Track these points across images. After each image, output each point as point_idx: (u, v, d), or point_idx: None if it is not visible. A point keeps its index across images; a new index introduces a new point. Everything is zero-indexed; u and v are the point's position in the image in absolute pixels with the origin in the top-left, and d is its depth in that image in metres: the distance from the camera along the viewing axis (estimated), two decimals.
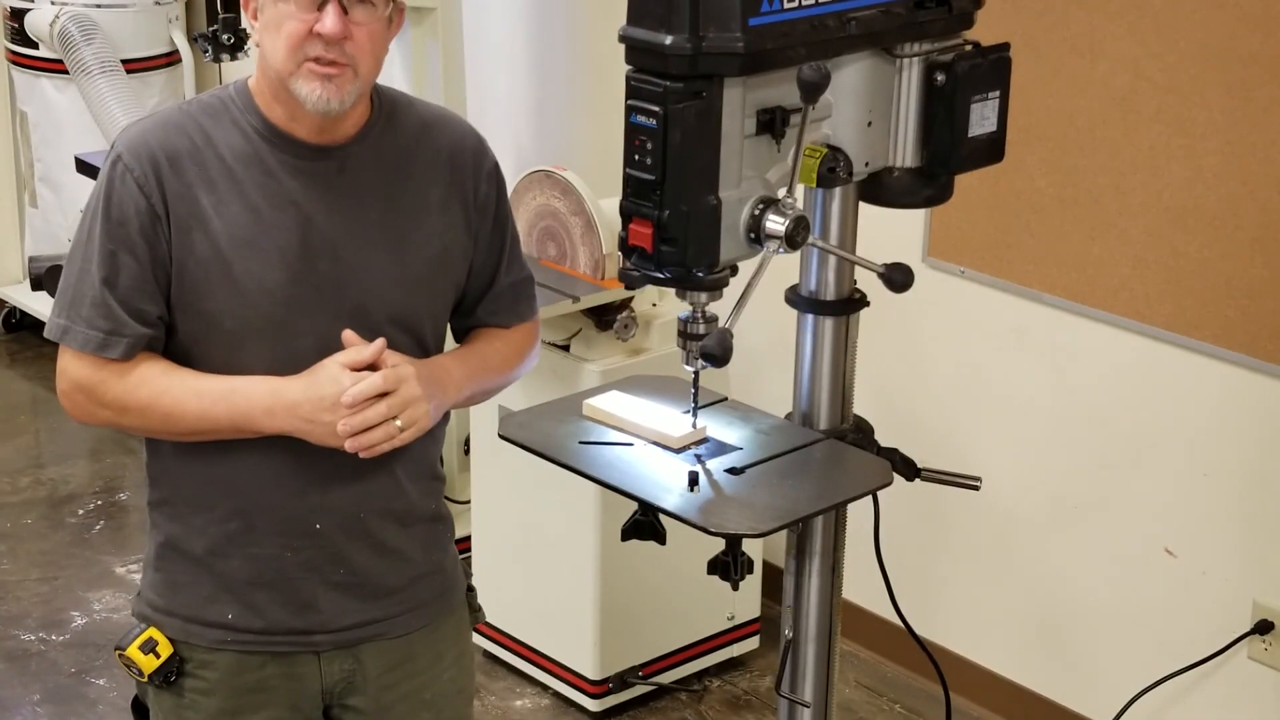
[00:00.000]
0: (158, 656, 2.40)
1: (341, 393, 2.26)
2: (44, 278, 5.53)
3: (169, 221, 2.28)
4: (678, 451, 2.45)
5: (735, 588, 2.49)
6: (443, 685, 2.56)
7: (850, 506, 2.55)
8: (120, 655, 2.42)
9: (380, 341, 2.30)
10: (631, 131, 2.23)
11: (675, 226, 2.24)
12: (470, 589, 2.63)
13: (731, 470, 2.41)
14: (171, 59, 5.68)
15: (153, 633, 2.41)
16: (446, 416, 2.49)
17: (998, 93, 2.51)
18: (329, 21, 2.23)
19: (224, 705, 2.43)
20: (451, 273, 2.44)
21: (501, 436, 2.54)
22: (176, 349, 2.34)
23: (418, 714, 2.53)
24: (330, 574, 2.42)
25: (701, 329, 2.37)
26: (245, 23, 2.33)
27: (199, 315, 2.30)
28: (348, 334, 2.32)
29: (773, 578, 3.64)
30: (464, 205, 2.44)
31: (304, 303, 2.32)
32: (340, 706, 2.49)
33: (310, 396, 2.28)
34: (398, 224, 2.37)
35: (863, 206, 2.55)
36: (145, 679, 2.42)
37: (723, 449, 2.47)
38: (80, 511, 4.89)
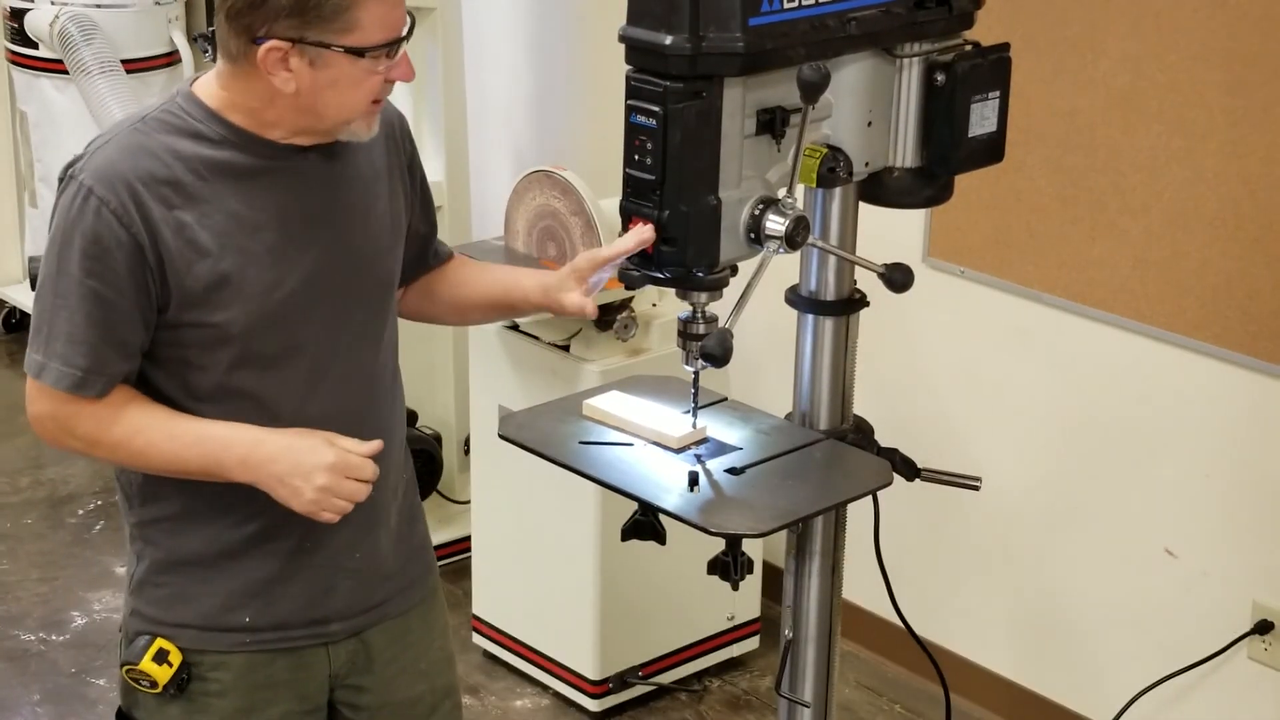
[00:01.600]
0: (171, 665, 2.39)
1: (321, 465, 2.26)
2: None
3: (156, 249, 2.25)
4: (678, 451, 2.45)
5: (735, 588, 2.49)
6: (434, 654, 2.62)
7: (850, 506, 2.54)
8: (129, 670, 2.40)
9: (377, 443, 2.33)
10: (631, 131, 2.23)
11: (675, 226, 2.24)
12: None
13: (731, 470, 2.41)
14: (171, 59, 5.68)
15: (162, 643, 2.40)
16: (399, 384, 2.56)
17: (998, 93, 2.51)
18: (406, 68, 2.29)
19: (238, 705, 2.43)
20: (401, 234, 2.52)
21: (501, 436, 2.54)
22: (188, 364, 2.33)
23: (414, 684, 2.58)
24: (346, 561, 2.45)
25: (701, 329, 2.37)
26: (264, 67, 2.21)
27: (206, 328, 2.29)
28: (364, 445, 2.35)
29: (773, 578, 3.64)
30: (400, 169, 2.50)
31: (299, 293, 2.33)
32: (344, 688, 2.52)
33: (289, 458, 2.27)
34: (361, 201, 2.41)
35: (863, 206, 2.55)
36: (159, 689, 2.40)
37: (723, 449, 2.47)
38: (80, 512, 4.89)
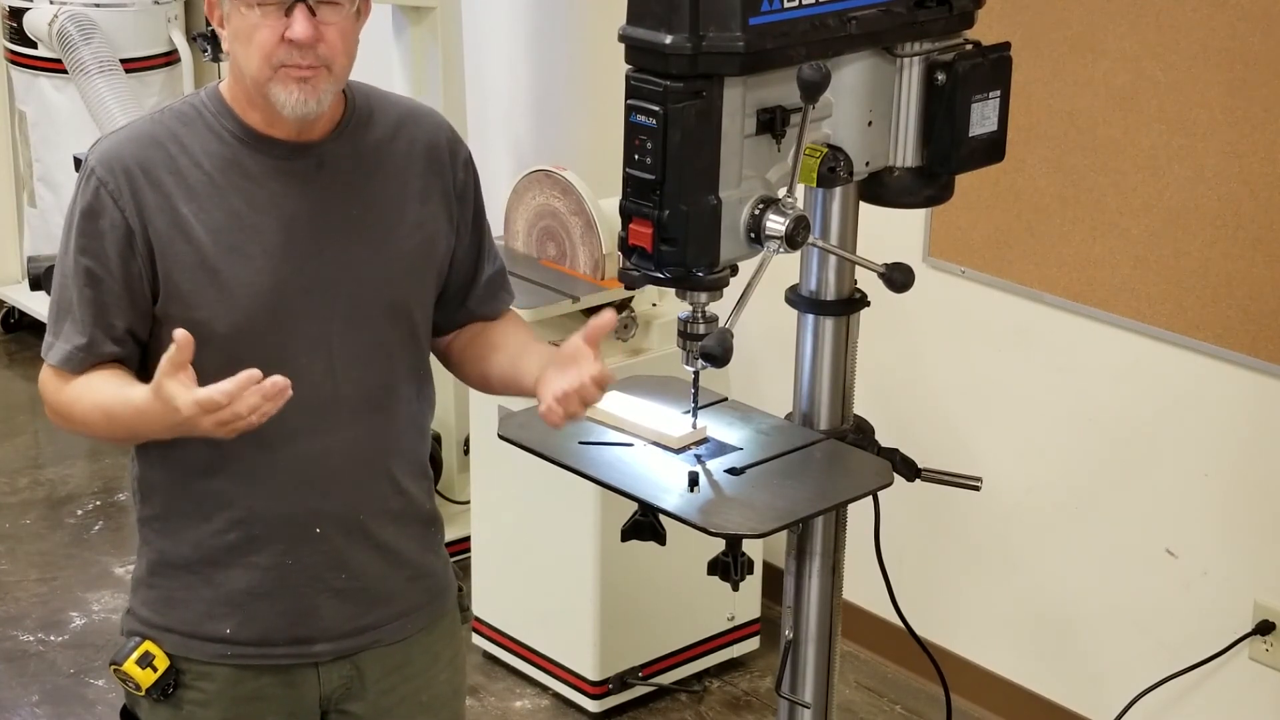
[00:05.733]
0: (155, 670, 2.37)
1: (176, 409, 2.15)
2: (42, 277, 5.50)
3: (147, 236, 2.26)
4: (678, 452, 2.45)
5: (735, 588, 2.49)
6: (439, 687, 2.55)
7: (851, 507, 2.54)
8: (116, 670, 2.39)
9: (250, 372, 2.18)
10: (631, 131, 2.23)
11: (675, 226, 2.23)
12: (460, 589, 2.62)
13: (731, 470, 2.41)
14: (170, 59, 5.68)
15: (149, 646, 2.38)
16: (432, 411, 2.49)
17: (998, 92, 2.51)
18: (299, 28, 2.20)
19: (222, 716, 2.41)
20: (435, 262, 2.43)
21: (501, 437, 2.54)
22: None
23: (415, 717, 2.53)
24: (331, 580, 2.40)
25: (701, 329, 2.37)
26: (213, 23, 2.29)
27: (191, 324, 2.26)
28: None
29: (773, 578, 3.64)
30: (444, 195, 2.43)
31: (293, 303, 2.31)
32: (338, 712, 2.48)
33: (161, 416, 2.19)
34: (379, 217, 2.37)
35: (863, 206, 2.55)
36: (142, 693, 2.39)
37: (723, 449, 2.46)
38: (79, 512, 4.88)
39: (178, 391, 2.15)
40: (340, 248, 2.33)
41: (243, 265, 2.28)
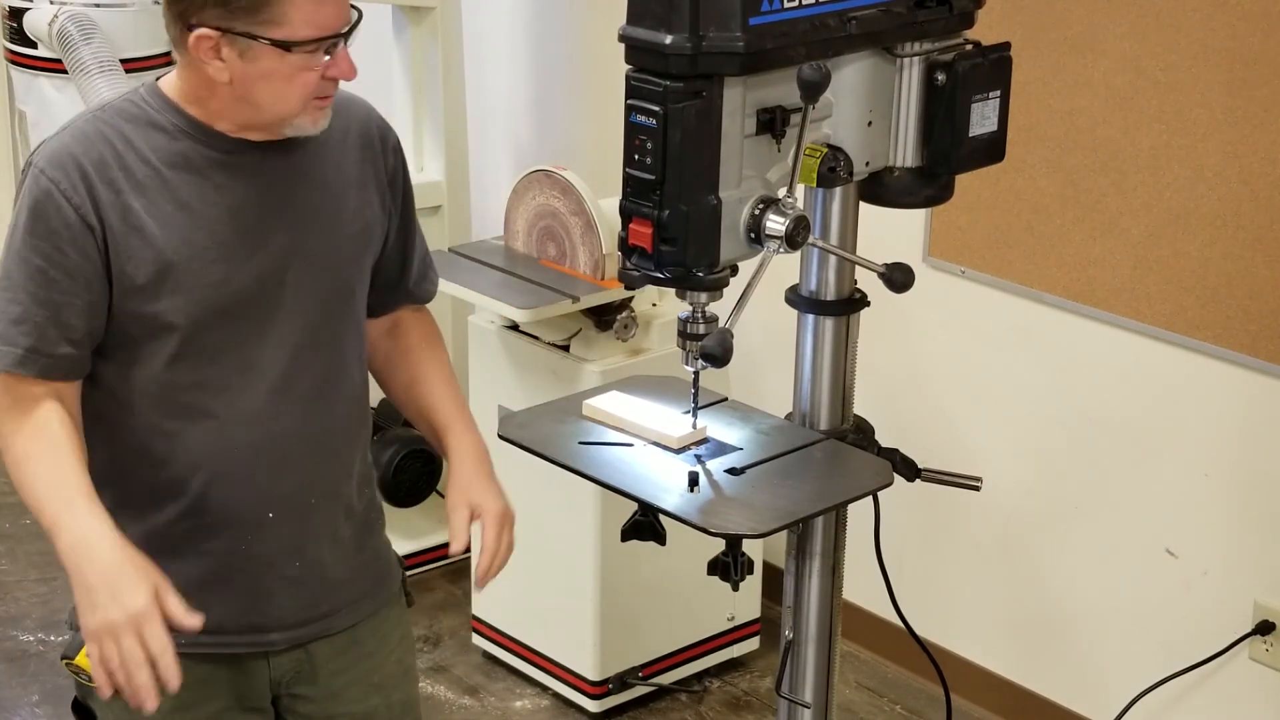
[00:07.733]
0: None
1: (125, 608, 2.14)
2: None
3: (104, 232, 2.25)
4: (678, 452, 2.45)
5: (735, 588, 2.49)
6: (390, 667, 2.58)
7: (850, 507, 2.54)
8: (67, 664, 2.38)
9: (197, 620, 2.19)
10: (631, 131, 2.23)
11: (675, 226, 2.23)
12: (404, 573, 2.64)
13: (731, 470, 2.41)
14: (170, 59, 5.67)
15: None
16: (368, 395, 2.51)
17: (998, 92, 2.51)
18: (346, 66, 2.25)
19: (174, 702, 2.38)
20: (373, 246, 2.46)
21: (501, 437, 2.54)
22: (127, 354, 2.31)
23: (368, 697, 2.55)
24: (284, 567, 2.41)
25: (701, 329, 2.37)
26: (196, 54, 2.22)
27: (148, 318, 2.28)
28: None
29: (773, 578, 3.64)
30: (378, 181, 2.45)
31: (246, 293, 2.31)
32: (289, 695, 2.50)
33: (106, 576, 2.16)
34: (323, 205, 2.38)
35: (863, 206, 2.55)
36: (93, 684, 2.39)
37: (723, 449, 2.46)
38: None
39: (163, 587, 2.16)
40: (288, 236, 2.35)
41: (195, 257, 2.28)
